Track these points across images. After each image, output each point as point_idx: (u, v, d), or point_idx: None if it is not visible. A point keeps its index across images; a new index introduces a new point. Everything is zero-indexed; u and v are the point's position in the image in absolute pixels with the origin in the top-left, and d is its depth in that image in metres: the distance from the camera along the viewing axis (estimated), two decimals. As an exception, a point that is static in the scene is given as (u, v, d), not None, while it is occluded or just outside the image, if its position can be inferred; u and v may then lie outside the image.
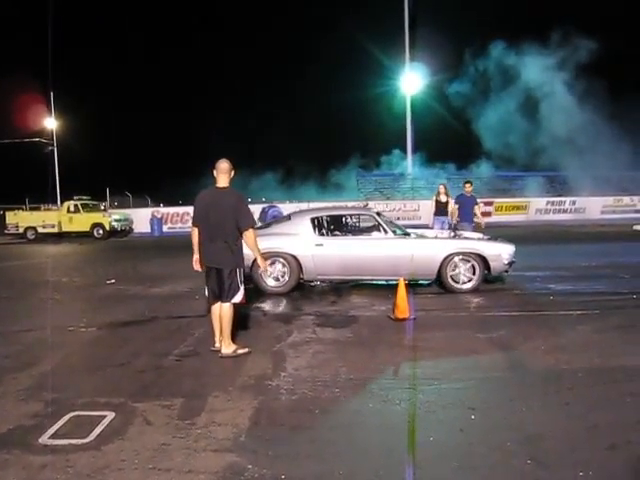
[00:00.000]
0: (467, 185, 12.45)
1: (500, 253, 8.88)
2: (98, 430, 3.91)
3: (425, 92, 33.68)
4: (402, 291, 6.98)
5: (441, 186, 13.24)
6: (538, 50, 32.26)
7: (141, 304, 8.53)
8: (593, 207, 28.74)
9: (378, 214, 9.51)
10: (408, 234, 9.31)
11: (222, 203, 5.54)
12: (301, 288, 9.43)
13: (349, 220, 10.29)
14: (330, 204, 25.72)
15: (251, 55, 42.26)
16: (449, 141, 33.76)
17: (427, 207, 21.56)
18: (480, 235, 9.98)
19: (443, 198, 12.96)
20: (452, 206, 12.54)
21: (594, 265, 11.46)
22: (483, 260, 8.79)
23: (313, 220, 9.24)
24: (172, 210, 28.70)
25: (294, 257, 8.90)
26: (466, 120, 33.31)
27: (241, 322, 6.49)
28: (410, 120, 31.44)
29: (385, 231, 9.04)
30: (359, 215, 10.21)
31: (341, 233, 9.75)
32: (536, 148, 31.19)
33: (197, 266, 5.80)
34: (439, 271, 8.80)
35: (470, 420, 4.00)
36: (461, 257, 8.82)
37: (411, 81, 31.82)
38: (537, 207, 28.92)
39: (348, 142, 39.06)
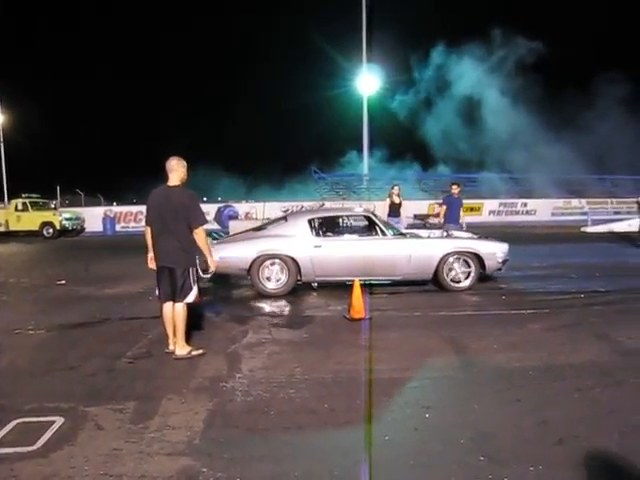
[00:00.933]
0: (454, 186, 12.44)
1: (495, 252, 9.12)
2: (46, 437, 3.79)
3: (381, 93, 34.00)
4: (357, 291, 7.02)
5: (396, 187, 13.37)
6: (479, 52, 32.88)
7: (93, 305, 8.34)
8: (544, 209, 29.49)
9: (374, 214, 9.60)
10: (404, 234, 9.44)
11: (173, 202, 5.47)
12: (252, 288, 9.39)
13: (346, 221, 10.32)
14: (284, 203, 25.72)
15: (206, 55, 41.84)
16: (407, 143, 34.15)
17: (383, 208, 21.77)
18: (470, 234, 10.14)
19: (396, 199, 13.08)
20: (440, 207, 12.58)
21: (544, 265, 11.77)
22: (478, 259, 8.96)
23: (310, 221, 9.21)
24: (125, 209, 28.17)
25: (292, 259, 8.81)
26: (416, 124, 33.79)
27: (195, 323, 6.41)
28: (367, 121, 31.64)
29: (382, 232, 9.10)
30: (355, 216, 10.21)
31: (338, 234, 9.72)
32: (484, 150, 31.84)
33: (152, 264, 5.70)
34: (436, 270, 8.93)
35: (425, 419, 4.05)
36: (457, 256, 8.98)
37: (368, 82, 32.01)
38: (490, 208, 29.49)
39: (305, 142, 39.07)
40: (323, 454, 3.54)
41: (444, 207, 12.25)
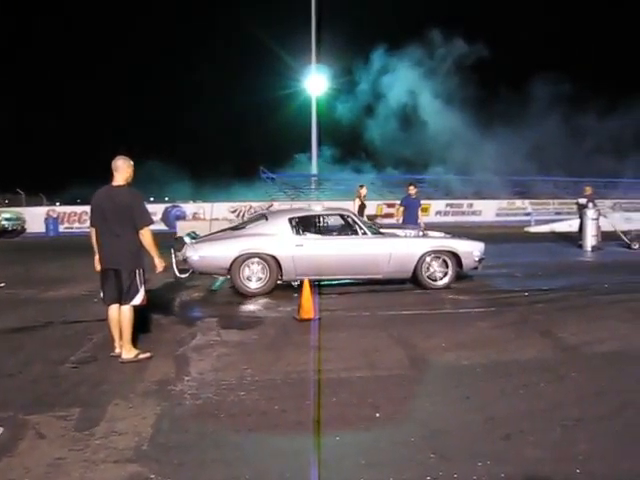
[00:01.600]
0: (411, 187, 12.50)
1: (472, 250, 9.31)
2: (-18, 448, 3.62)
3: (330, 94, 34.11)
4: (307, 292, 7.02)
5: (364, 188, 13.40)
6: (420, 54, 33.37)
7: (34, 309, 8.06)
8: (488, 210, 30.17)
9: (354, 214, 9.64)
10: (383, 234, 9.50)
11: (116, 202, 5.35)
12: (204, 289, 9.29)
13: (326, 220, 10.28)
14: (230, 204, 25.51)
15: (155, 54, 41.09)
16: (355, 144, 34.37)
17: (333, 206, 21.80)
18: (442, 234, 10.28)
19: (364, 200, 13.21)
20: (398, 207, 12.69)
21: (490, 265, 11.97)
22: (456, 257, 9.11)
23: (291, 220, 9.16)
24: (69, 209, 27.31)
25: (274, 258, 8.74)
26: (362, 125, 34.05)
27: (142, 325, 6.27)
28: (315, 122, 31.69)
29: (363, 231, 9.15)
30: (335, 215, 10.18)
31: (319, 233, 9.70)
32: (428, 152, 32.35)
33: (99, 266, 5.55)
34: (415, 269, 9.02)
35: (375, 418, 4.07)
36: (436, 255, 9.13)
37: (316, 83, 32.07)
38: (437, 209, 29.97)
39: (254, 143, 38.84)
40: (274, 456, 3.52)
41: (402, 208, 12.37)
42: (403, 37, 32.57)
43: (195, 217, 19.67)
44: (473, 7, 35.00)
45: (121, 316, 5.46)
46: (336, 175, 32.83)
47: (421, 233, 10.32)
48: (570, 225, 19.18)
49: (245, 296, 8.76)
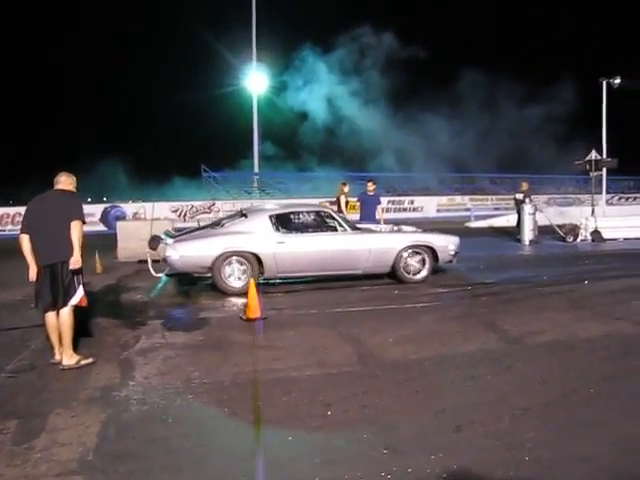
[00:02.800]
0: (370, 183, 12.42)
1: (447, 244, 9.52)
2: None
3: (272, 92, 33.91)
4: (252, 291, 6.93)
5: (348, 185, 13.07)
6: (351, 51, 33.55)
7: (-35, 317, 7.66)
8: (429, 206, 30.62)
9: (333, 210, 9.86)
10: (361, 229, 9.62)
11: (54, 202, 5.30)
12: (147, 291, 9.06)
13: (306, 217, 10.11)
14: (173, 203, 25.04)
15: (95, 53, 39.78)
16: (296, 142, 34.24)
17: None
18: (414, 228, 10.46)
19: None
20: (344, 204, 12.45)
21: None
22: (432, 252, 9.29)
23: (271, 217, 9.07)
24: (0, 210, 26.19)
25: (255, 255, 8.62)
26: (301, 124, 33.98)
27: (83, 329, 6.05)
28: (256, 120, 31.46)
29: (342, 227, 9.20)
30: (314, 212, 10.07)
31: (300, 230, 9.52)
32: (365, 149, 32.62)
33: (34, 275, 5.28)
34: (393, 264, 9.13)
35: (327, 416, 4.05)
36: (413, 250, 9.29)
37: (257, 80, 31.82)
38: (380, 206, 30.23)
39: (195, 141, 38.22)
40: (226, 459, 3.45)
41: (358, 204, 12.34)
42: (334, 33, 32.64)
43: (136, 217, 19.13)
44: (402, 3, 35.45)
45: (60, 320, 5.24)
46: (278, 173, 32.68)
47: (396, 228, 10.48)
48: (508, 220, 19.67)
49: (189, 297, 8.60)
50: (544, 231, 16.03)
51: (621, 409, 4.11)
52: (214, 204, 25.93)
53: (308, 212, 10.04)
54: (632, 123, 33.13)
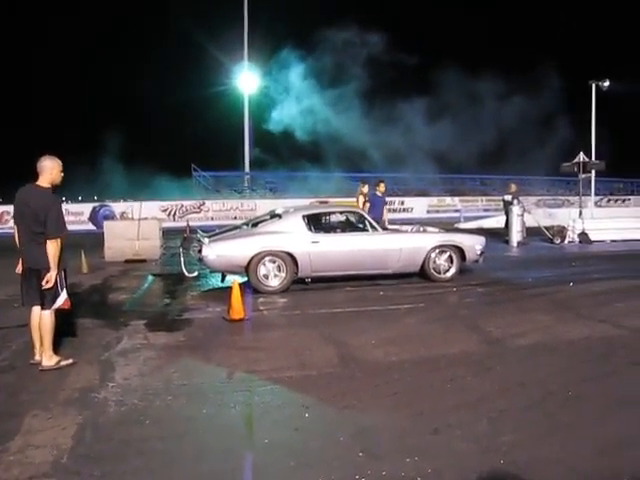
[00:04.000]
0: (381, 185, 12.82)
1: (474, 244, 9.74)
2: None
3: (263, 92, 33.81)
4: (237, 292, 6.91)
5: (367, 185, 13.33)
6: (326, 52, 33.49)
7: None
8: (420, 207, 30.67)
9: (363, 211, 10.14)
10: (390, 230, 9.88)
11: (35, 204, 5.07)
12: (130, 291, 9.02)
13: (338, 217, 10.43)
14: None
15: (85, 52, 39.47)
16: (287, 142, 34.16)
17: (265, 205, 21.68)
18: (436, 229, 10.75)
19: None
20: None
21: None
22: (460, 251, 9.49)
23: (305, 218, 9.19)
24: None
25: (290, 255, 8.72)
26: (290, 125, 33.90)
27: (65, 330, 6.01)
28: (248, 120, 31.39)
29: (373, 227, 9.37)
30: (347, 212, 10.44)
31: (333, 230, 9.80)
32: (355, 151, 32.61)
33: (20, 267, 5.27)
34: (422, 263, 9.34)
35: (305, 418, 4.04)
36: (442, 249, 9.50)
37: (248, 80, 31.76)
38: (386, 207, 30.19)
39: (186, 140, 38.01)
40: (202, 462, 3.43)
41: (367, 204, 12.52)
42: (315, 33, 32.58)
43: (123, 216, 19.06)
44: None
45: (40, 322, 5.19)
46: (269, 173, 32.62)
47: (422, 229, 10.69)
48: (497, 221, 19.74)
49: (174, 297, 8.59)
50: (532, 232, 16.10)
51: (598, 411, 4.13)
52: (204, 204, 25.87)
53: (341, 212, 10.43)
54: (622, 126, 33.29)
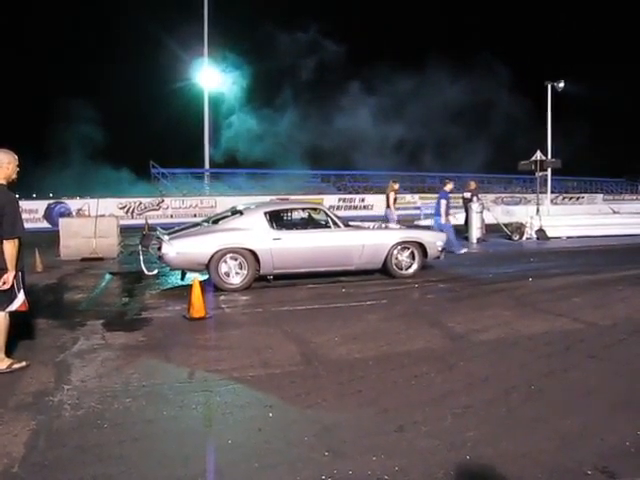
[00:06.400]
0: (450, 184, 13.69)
1: (435, 241, 9.87)
2: None
3: (224, 88, 33.51)
4: (197, 290, 6.78)
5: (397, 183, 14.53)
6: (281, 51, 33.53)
7: None
8: (380, 204, 30.82)
9: (326, 207, 10.06)
10: (353, 226, 9.73)
11: None
12: (87, 290, 8.79)
13: (300, 214, 10.36)
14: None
15: (44, 51, 38.47)
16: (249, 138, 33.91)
17: (225, 203, 21.43)
18: (398, 225, 10.99)
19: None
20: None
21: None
22: (422, 247, 9.57)
23: (266, 214, 9.02)
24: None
25: (252, 252, 8.56)
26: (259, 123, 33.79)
27: (19, 330, 5.73)
28: (207, 116, 31.07)
29: (336, 224, 9.28)
30: (309, 209, 10.36)
31: (295, 227, 9.70)
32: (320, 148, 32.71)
33: None
34: (385, 259, 9.34)
35: (268, 418, 3.96)
36: (404, 245, 9.55)
37: (209, 76, 31.43)
38: (330, 203, 30.26)
39: (144, 137, 37.38)
40: (163, 465, 3.32)
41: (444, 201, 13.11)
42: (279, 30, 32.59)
43: (80, 214, 18.56)
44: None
45: (-6, 324, 4.98)
46: (229, 170, 32.36)
47: (384, 225, 10.84)
48: (456, 218, 19.97)
49: (132, 295, 8.39)
50: (491, 229, 16.35)
51: (560, 405, 4.16)
52: (163, 201, 25.49)
53: (303, 209, 10.38)
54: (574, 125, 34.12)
